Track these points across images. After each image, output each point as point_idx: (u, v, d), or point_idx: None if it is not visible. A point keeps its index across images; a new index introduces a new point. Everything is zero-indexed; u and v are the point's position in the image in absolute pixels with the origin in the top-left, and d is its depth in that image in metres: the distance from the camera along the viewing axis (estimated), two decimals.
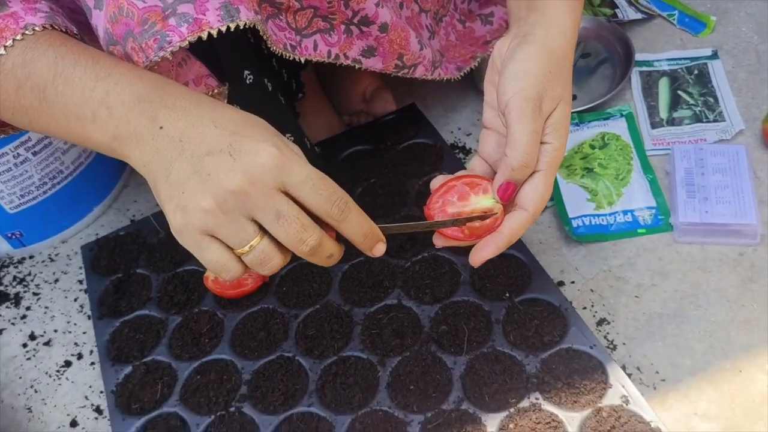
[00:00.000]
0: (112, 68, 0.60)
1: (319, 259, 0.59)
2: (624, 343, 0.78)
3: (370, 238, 0.60)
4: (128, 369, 0.82)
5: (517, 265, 0.82)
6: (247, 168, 0.54)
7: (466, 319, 0.78)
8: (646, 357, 0.77)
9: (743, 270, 0.82)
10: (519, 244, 0.83)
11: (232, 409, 0.76)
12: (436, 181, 0.68)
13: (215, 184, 0.54)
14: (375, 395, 0.74)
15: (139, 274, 0.92)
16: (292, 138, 0.89)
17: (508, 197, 0.63)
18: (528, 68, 0.63)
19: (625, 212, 0.89)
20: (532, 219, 0.64)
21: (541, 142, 0.63)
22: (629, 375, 0.74)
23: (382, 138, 0.99)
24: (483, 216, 0.64)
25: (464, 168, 0.94)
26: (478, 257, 0.65)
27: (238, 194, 0.54)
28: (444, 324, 0.78)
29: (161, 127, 0.57)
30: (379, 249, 0.62)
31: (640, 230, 0.87)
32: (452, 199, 0.66)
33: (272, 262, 0.57)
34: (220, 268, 0.57)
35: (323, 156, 0.96)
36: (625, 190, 0.91)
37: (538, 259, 0.82)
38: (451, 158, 0.95)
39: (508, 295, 0.79)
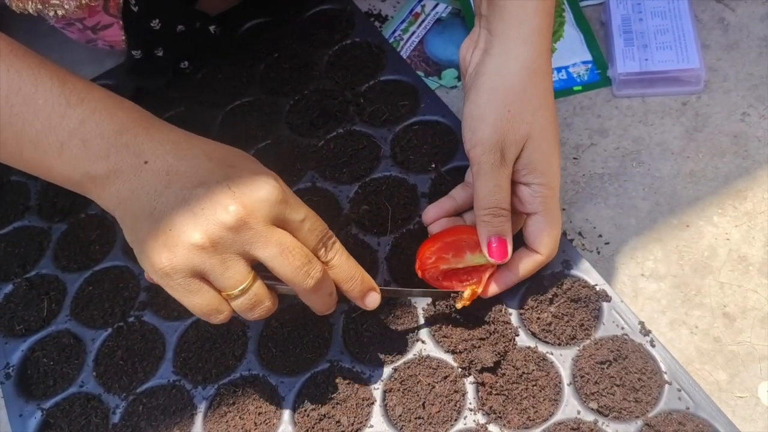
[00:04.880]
0: (84, 92, 0.50)
1: (320, 297, 0.53)
2: (564, 209, 0.71)
3: (360, 283, 0.54)
4: (8, 288, 0.72)
5: (442, 132, 0.73)
6: (247, 201, 0.48)
7: (389, 195, 0.70)
8: (587, 221, 0.70)
9: (687, 120, 0.75)
10: (444, 109, 0.74)
11: (131, 319, 0.67)
12: (429, 217, 0.65)
13: (210, 218, 0.48)
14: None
15: (14, 182, 0.80)
16: (183, 28, 0.78)
17: (500, 254, 0.58)
18: (483, 113, 0.58)
19: (558, 69, 0.80)
20: (547, 260, 0.61)
21: (523, 184, 0.59)
22: (570, 241, 0.67)
23: (285, 7, 0.87)
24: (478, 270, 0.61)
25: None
26: (488, 293, 0.62)
27: (237, 229, 0.48)
28: (365, 203, 0.70)
29: (146, 162, 0.50)
30: (372, 298, 0.55)
31: (576, 87, 0.79)
32: (447, 256, 0.61)
33: (263, 306, 0.51)
34: (209, 312, 0.50)
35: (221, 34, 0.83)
36: (557, 45, 0.82)
37: None
38: (364, 24, 0.84)
39: (434, 165, 0.71)
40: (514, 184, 0.59)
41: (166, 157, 0.50)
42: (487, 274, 0.60)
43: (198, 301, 0.49)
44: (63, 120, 0.50)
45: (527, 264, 0.60)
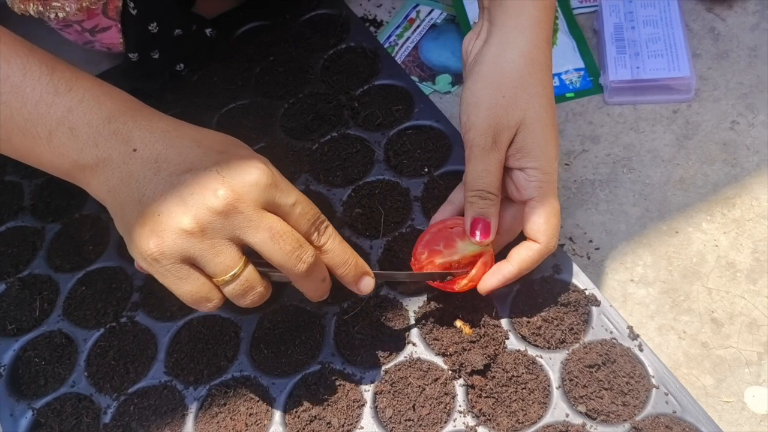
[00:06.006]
0: (72, 80, 0.50)
1: (313, 282, 0.52)
2: None
3: (353, 267, 0.54)
4: (1, 287, 0.72)
5: (435, 137, 0.73)
6: (236, 186, 0.48)
7: (382, 199, 0.70)
8: (578, 226, 0.71)
9: (677, 128, 0.76)
10: (437, 114, 0.75)
11: (124, 320, 0.67)
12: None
13: (199, 203, 0.47)
14: (284, 290, 0.66)
15: (8, 182, 0.80)
16: (181, 32, 0.78)
17: (482, 235, 0.59)
18: (479, 100, 0.59)
19: None
20: (545, 249, 0.59)
21: (518, 169, 0.59)
22: (561, 246, 0.68)
23: (280, 11, 0.87)
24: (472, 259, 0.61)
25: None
26: (485, 286, 0.60)
27: (226, 213, 0.48)
28: (358, 206, 0.70)
29: (135, 150, 0.50)
30: (366, 283, 0.55)
31: (568, 94, 0.80)
32: (438, 248, 0.62)
33: (255, 292, 0.51)
34: (199, 299, 0.50)
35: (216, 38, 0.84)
36: None
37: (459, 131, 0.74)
38: (359, 29, 0.85)
39: (426, 170, 0.71)
40: (510, 170, 0.60)
41: (155, 144, 0.50)
42: (481, 260, 0.60)
43: (188, 288, 0.49)
44: (51, 108, 0.50)
45: (525, 253, 0.59)
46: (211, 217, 0.47)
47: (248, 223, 0.48)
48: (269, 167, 0.50)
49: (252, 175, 0.49)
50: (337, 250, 0.53)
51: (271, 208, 0.50)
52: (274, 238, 0.48)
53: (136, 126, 0.51)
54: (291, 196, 0.50)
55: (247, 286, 0.50)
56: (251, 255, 0.50)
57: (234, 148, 0.52)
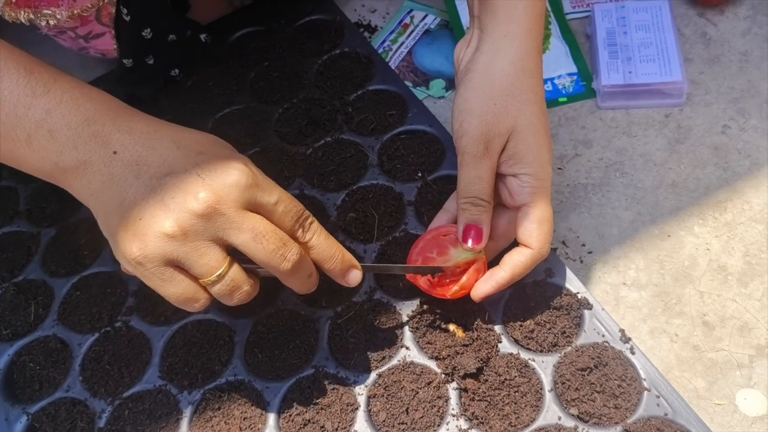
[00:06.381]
0: (51, 82, 0.50)
1: (299, 279, 0.52)
2: None
3: (340, 261, 0.54)
4: None
5: (429, 142, 0.74)
6: (216, 188, 0.48)
7: (376, 203, 0.70)
8: (571, 230, 0.71)
9: (669, 132, 0.76)
10: (431, 118, 0.75)
11: (118, 324, 0.68)
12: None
13: (181, 207, 0.48)
14: (279, 294, 0.66)
15: (4, 187, 0.80)
16: (175, 37, 0.79)
17: (474, 241, 0.59)
18: (471, 107, 0.60)
19: (544, 81, 0.81)
20: (537, 255, 0.59)
21: (511, 175, 0.60)
22: (554, 250, 0.68)
23: (275, 16, 0.88)
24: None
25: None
26: (478, 292, 0.60)
27: (208, 216, 0.48)
28: (352, 211, 0.70)
29: (115, 152, 0.50)
30: (354, 276, 0.55)
31: (561, 99, 0.80)
32: (431, 255, 0.62)
33: (241, 291, 0.51)
34: (186, 300, 0.50)
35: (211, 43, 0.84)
36: (543, 57, 0.83)
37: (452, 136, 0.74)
38: (354, 34, 0.85)
39: (420, 174, 0.72)
40: (503, 176, 0.60)
41: (135, 146, 0.50)
42: (473, 267, 0.60)
43: (173, 290, 0.49)
44: (29, 111, 0.50)
45: (517, 258, 0.59)
46: (193, 220, 0.47)
47: (230, 224, 0.48)
48: (249, 167, 0.50)
49: (232, 176, 0.49)
50: (323, 245, 0.53)
51: (253, 207, 0.50)
52: (257, 238, 0.48)
53: (115, 128, 0.51)
54: (273, 195, 0.50)
55: (233, 286, 0.50)
56: (238, 253, 0.50)
57: (214, 148, 0.52)
